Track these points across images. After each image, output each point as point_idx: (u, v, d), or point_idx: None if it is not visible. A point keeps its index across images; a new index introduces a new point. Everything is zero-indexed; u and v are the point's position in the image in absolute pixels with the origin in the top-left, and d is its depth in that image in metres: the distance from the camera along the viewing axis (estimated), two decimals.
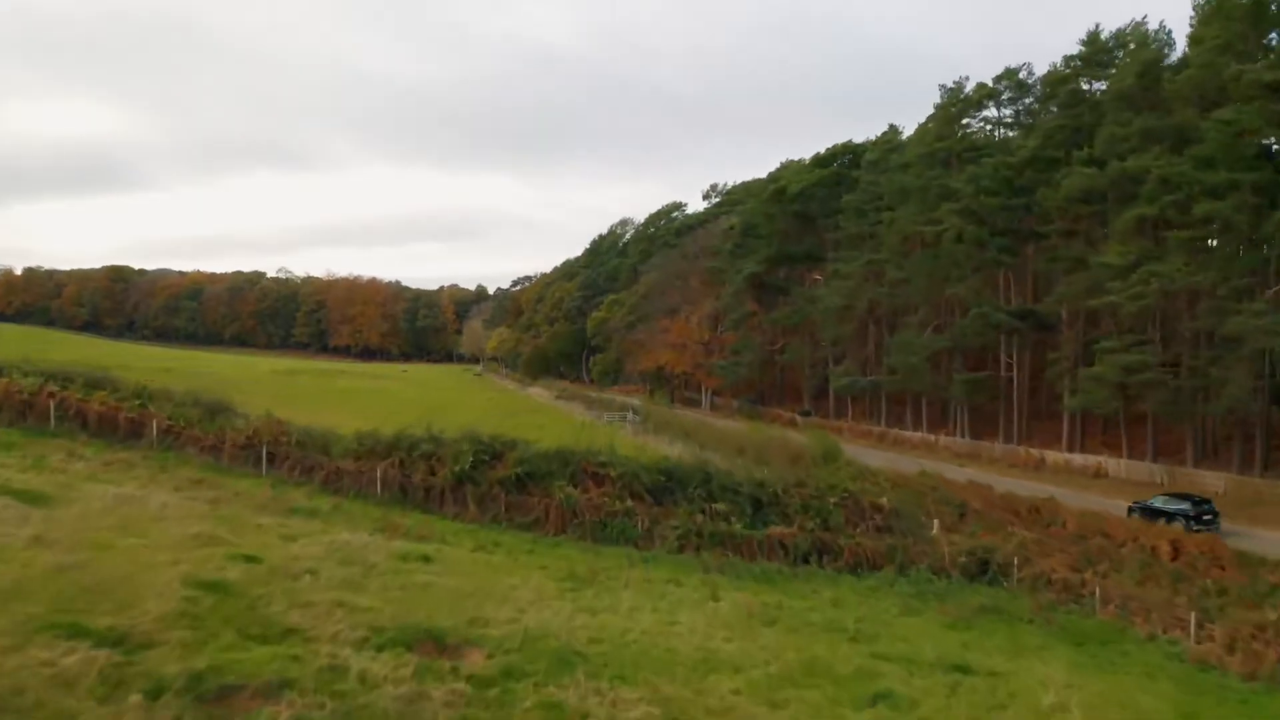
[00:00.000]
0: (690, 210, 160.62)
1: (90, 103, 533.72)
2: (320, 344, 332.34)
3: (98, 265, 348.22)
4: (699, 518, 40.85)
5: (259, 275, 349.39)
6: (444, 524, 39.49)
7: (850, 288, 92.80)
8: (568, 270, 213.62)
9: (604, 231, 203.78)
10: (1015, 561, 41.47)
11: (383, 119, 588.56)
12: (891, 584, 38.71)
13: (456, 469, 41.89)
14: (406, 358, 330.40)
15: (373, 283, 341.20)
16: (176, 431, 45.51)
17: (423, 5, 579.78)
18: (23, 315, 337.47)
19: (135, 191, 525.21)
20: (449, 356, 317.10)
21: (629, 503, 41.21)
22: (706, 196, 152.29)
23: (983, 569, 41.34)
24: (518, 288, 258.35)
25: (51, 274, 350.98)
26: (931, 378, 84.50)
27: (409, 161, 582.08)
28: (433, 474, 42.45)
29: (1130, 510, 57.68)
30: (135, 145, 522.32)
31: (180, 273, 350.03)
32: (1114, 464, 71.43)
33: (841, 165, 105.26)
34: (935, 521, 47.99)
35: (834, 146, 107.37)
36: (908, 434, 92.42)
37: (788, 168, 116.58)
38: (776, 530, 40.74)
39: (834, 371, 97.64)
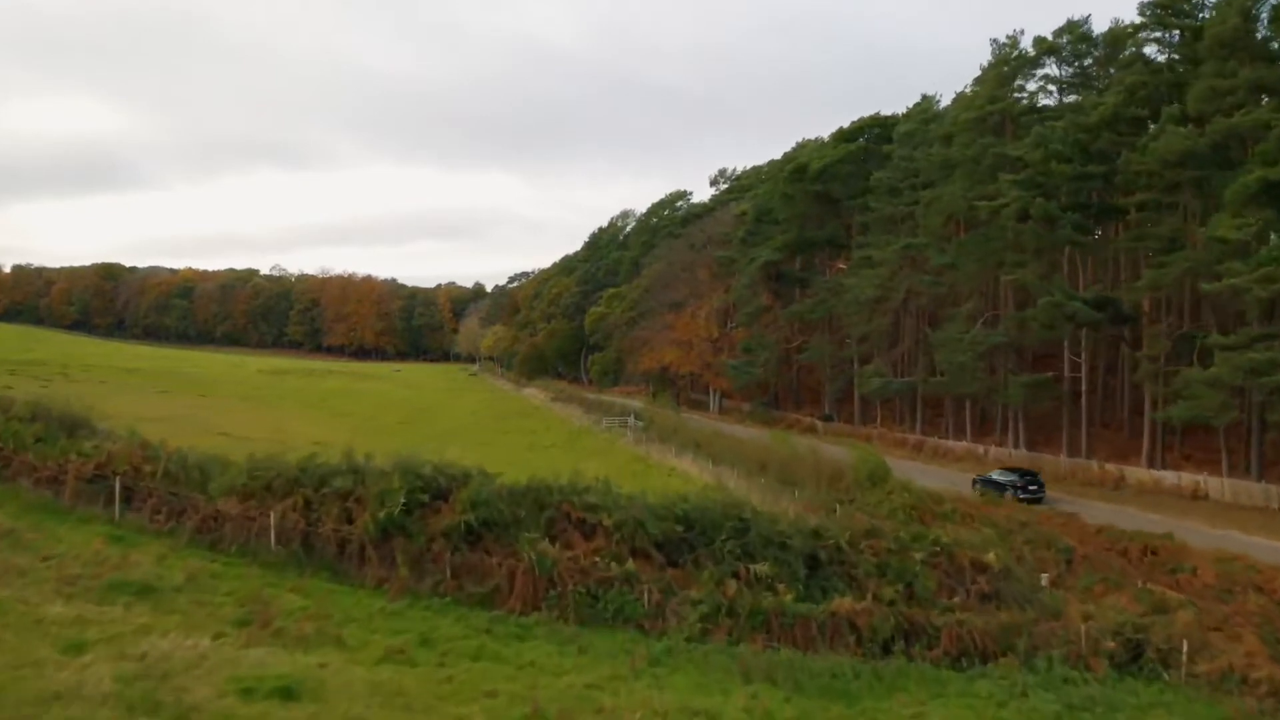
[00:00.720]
0: (697, 200, 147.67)
1: (89, 101, 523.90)
2: (314, 343, 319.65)
3: (89, 263, 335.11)
4: (731, 585, 27.53)
5: (252, 273, 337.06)
6: (356, 599, 26.26)
7: (883, 276, 79.59)
8: (566, 265, 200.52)
9: (604, 224, 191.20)
10: (1183, 646, 28.27)
11: (384, 117, 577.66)
12: (1020, 689, 25.44)
13: (381, 515, 28.11)
14: (402, 357, 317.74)
15: (368, 281, 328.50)
16: (6, 457, 32.44)
17: (423, 3, 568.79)
18: (10, 314, 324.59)
19: (135, 190, 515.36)
20: (446, 356, 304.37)
21: (630, 564, 27.74)
22: (714, 183, 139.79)
23: (1135, 655, 28.27)
24: (515, 284, 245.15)
25: (41, 271, 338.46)
26: (983, 379, 71.23)
27: (410, 160, 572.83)
28: (349, 521, 28.84)
29: (974, 483, 60.10)
30: (134, 144, 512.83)
31: (171, 270, 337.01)
32: (1214, 484, 58.09)
33: (869, 140, 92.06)
34: (1045, 576, 34.99)
35: (860, 120, 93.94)
36: (948, 443, 79.25)
37: (805, 146, 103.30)
38: (844, 605, 27.37)
39: (862, 372, 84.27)
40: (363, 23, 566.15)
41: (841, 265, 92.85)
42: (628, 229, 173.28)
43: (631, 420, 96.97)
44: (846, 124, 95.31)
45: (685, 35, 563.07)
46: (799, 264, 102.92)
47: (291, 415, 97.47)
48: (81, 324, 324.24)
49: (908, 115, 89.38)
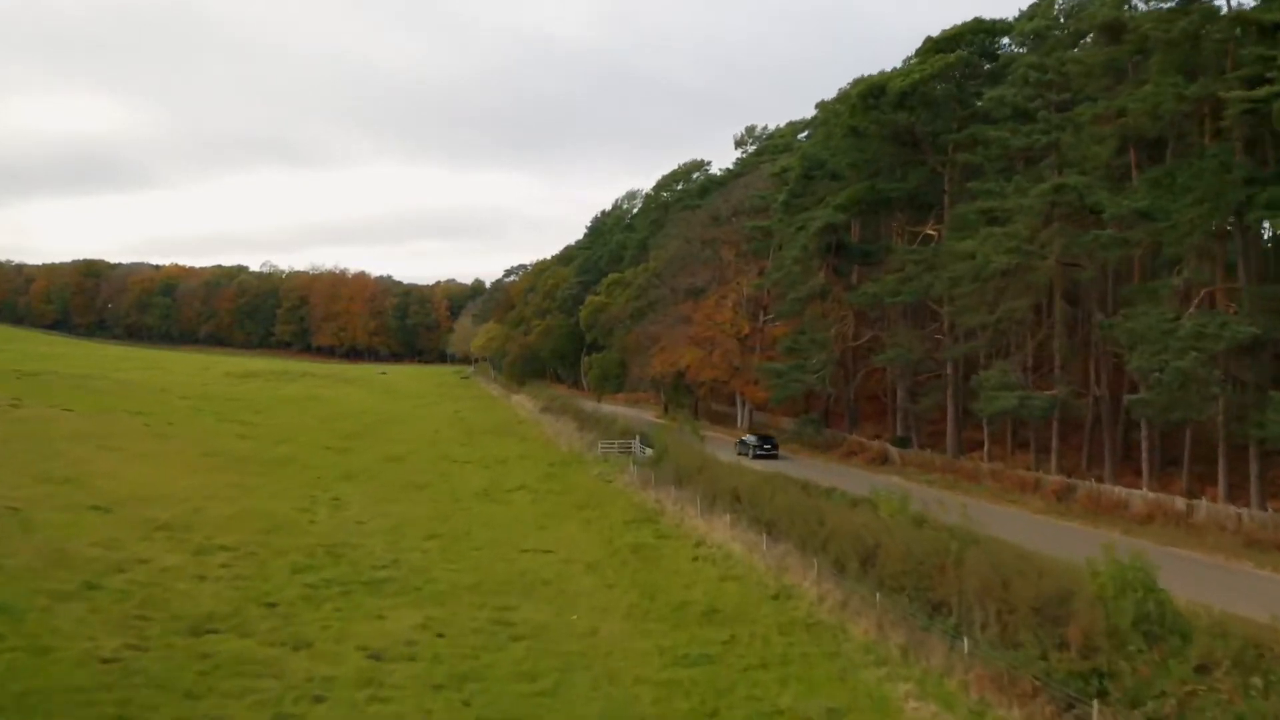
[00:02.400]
0: (718, 174, 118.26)
1: (91, 97, 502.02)
2: (303, 343, 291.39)
3: (71, 259, 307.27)
4: None
5: (240, 269, 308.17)
6: None
7: (1021, 236, 50.00)
8: (565, 255, 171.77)
9: (608, 208, 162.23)
10: None
11: (388, 114, 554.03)
12: None
13: None
14: (396, 358, 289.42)
15: (360, 277, 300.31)
16: None
17: None
18: None
19: (137, 189, 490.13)
20: (443, 357, 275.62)
21: None
22: (741, 144, 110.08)
23: None
24: (511, 278, 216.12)
25: (21, 269, 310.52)
26: (1221, 395, 41.79)
27: (416, 158, 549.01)
28: None
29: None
30: (136, 141, 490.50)
31: (155, 267, 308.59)
32: None
33: (970, 52, 62.61)
34: None
35: (954, 27, 64.31)
36: (1114, 491, 49.75)
37: (863, 81, 73.01)
38: None
39: (982, 380, 53.82)
40: (367, 17, 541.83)
41: (930, 231, 63.58)
42: (634, 211, 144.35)
43: (637, 446, 68.36)
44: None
45: (694, 28, 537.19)
46: (859, 232, 74.24)
47: (194, 439, 69.94)
48: (62, 323, 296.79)
49: (1033, 12, 60.64)
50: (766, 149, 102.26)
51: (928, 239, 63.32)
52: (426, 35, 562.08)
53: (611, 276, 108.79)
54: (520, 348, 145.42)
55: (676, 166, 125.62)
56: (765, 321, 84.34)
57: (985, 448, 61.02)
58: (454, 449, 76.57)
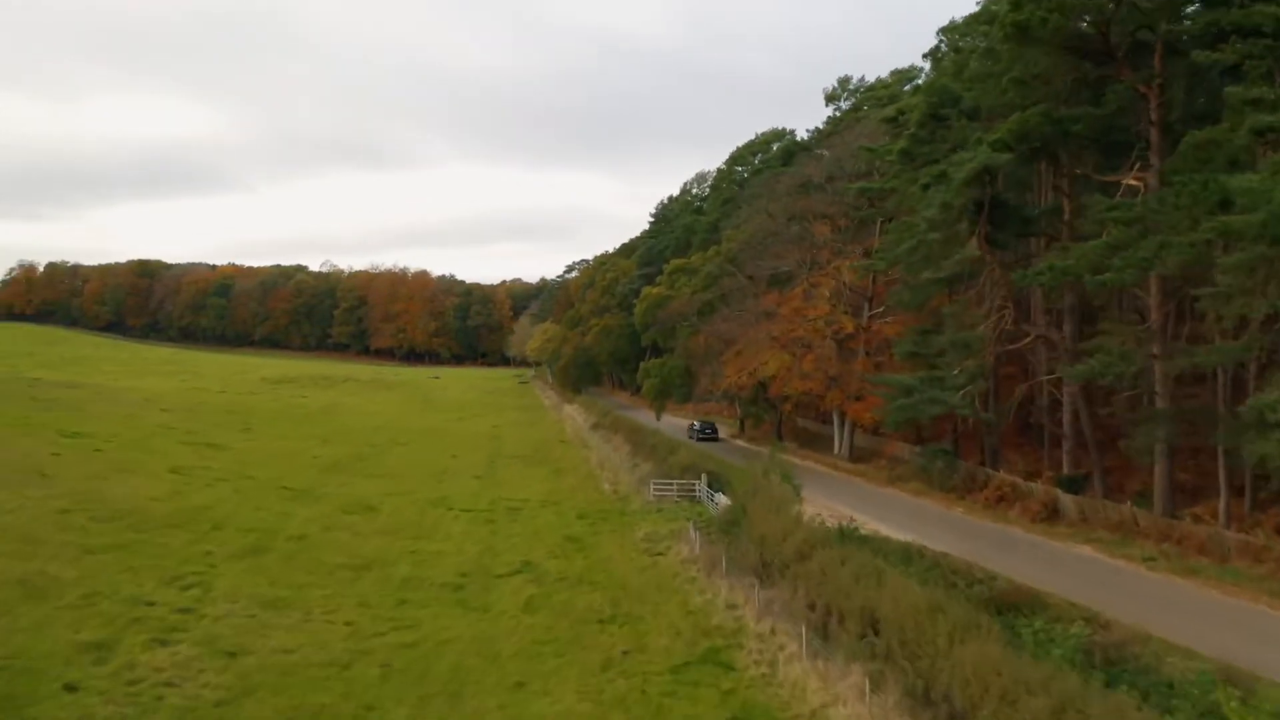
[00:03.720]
0: (801, 139, 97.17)
1: (169, 99, 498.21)
2: (361, 345, 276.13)
3: (124, 259, 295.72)
4: None
5: (299, 269, 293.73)
6: None
7: None
8: (627, 246, 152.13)
9: (674, 193, 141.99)
10: None
11: (463, 115, 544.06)
12: None
13: None
14: (458, 361, 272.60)
15: (420, 276, 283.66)
16: None
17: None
18: (43, 314, 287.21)
19: (214, 192, 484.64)
20: (506, 360, 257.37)
21: None
22: (832, 99, 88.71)
23: None
24: (571, 274, 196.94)
25: (76, 269, 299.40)
26: None
27: (489, 158, 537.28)
28: None
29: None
30: (213, 144, 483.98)
31: (211, 266, 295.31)
32: None
33: None
34: None
35: None
36: None
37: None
38: None
39: (1258, 405, 32.92)
40: (443, 19, 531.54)
41: (1133, 181, 42.41)
42: (705, 194, 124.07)
43: (704, 491, 48.91)
44: None
45: (768, 22, 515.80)
46: (1029, 191, 53.29)
47: (85, 476, 52.11)
48: (116, 325, 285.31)
49: None
50: (866, 102, 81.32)
51: (1129, 193, 42.07)
52: (500, 35, 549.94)
53: (674, 263, 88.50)
54: (574, 350, 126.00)
55: (754, 136, 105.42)
56: (872, 316, 63.89)
57: (1222, 503, 39.92)
58: (460, 487, 57.38)
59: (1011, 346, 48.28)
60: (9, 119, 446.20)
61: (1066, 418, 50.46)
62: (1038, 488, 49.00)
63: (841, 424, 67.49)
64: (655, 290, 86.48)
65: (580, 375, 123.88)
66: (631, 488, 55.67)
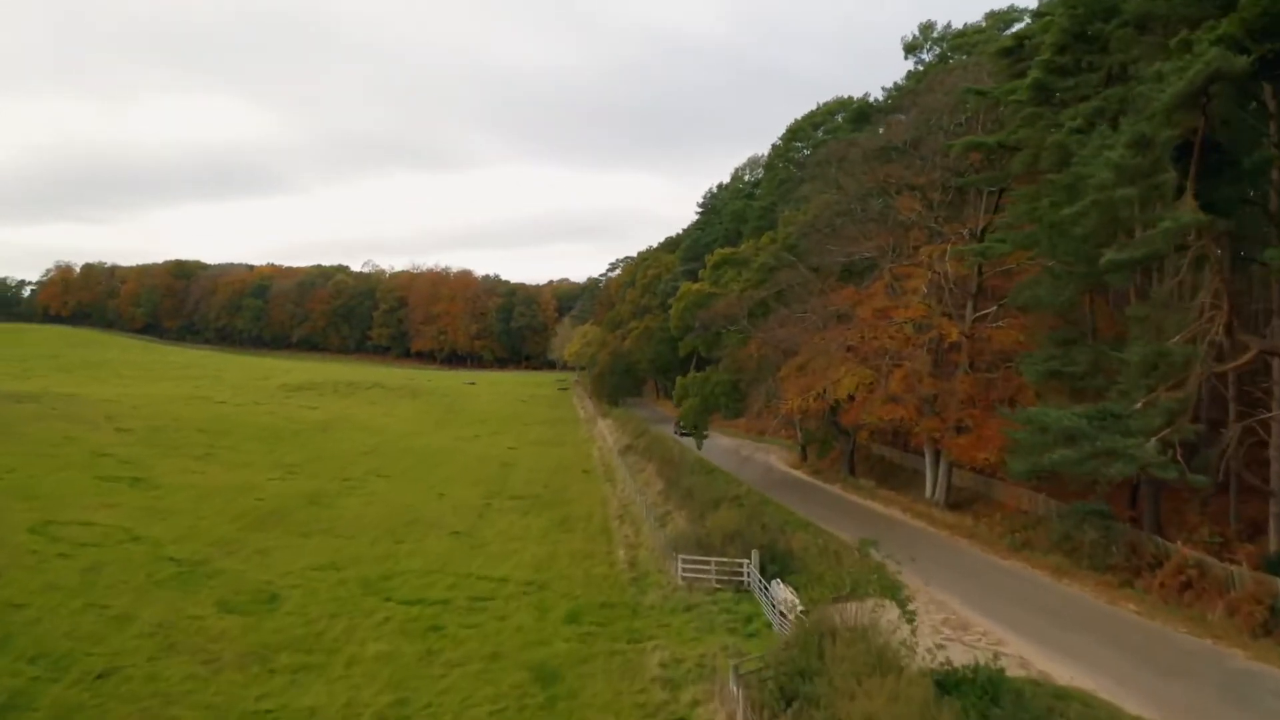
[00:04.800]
0: (875, 101, 79.69)
1: (221, 100, 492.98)
2: (402, 348, 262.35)
3: (161, 260, 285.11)
4: None
5: (339, 269, 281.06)
6: None
7: None
8: (671, 240, 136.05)
9: (725, 180, 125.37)
10: None
11: (516, 115, 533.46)
12: None
13: None
14: (501, 364, 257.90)
15: (463, 276, 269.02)
16: None
17: None
18: (78, 316, 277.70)
19: (269, 194, 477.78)
20: (551, 363, 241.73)
21: None
22: (913, 49, 71.00)
23: None
24: (614, 272, 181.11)
25: (113, 271, 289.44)
26: None
27: (547, 159, 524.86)
28: None
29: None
30: (269, 146, 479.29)
31: (249, 267, 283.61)
32: None
33: None
34: None
35: None
36: None
37: None
38: None
39: None
40: (498, 17, 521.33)
41: None
42: (759, 178, 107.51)
43: (754, 575, 33.22)
44: None
45: (829, 20, 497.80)
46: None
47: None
48: (152, 327, 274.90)
49: None
50: (956, 51, 64.15)
51: None
52: (554, 34, 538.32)
53: (720, 253, 71.79)
54: (611, 356, 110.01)
55: (815, 106, 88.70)
56: (979, 319, 47.39)
57: None
58: (422, 553, 41.88)
59: (1223, 367, 31.54)
60: (59, 120, 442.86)
61: (1277, 468, 33.98)
62: (1242, 574, 32.39)
63: (936, 459, 51.00)
64: (696, 287, 69.91)
65: (618, 384, 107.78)
66: (655, 557, 39.84)
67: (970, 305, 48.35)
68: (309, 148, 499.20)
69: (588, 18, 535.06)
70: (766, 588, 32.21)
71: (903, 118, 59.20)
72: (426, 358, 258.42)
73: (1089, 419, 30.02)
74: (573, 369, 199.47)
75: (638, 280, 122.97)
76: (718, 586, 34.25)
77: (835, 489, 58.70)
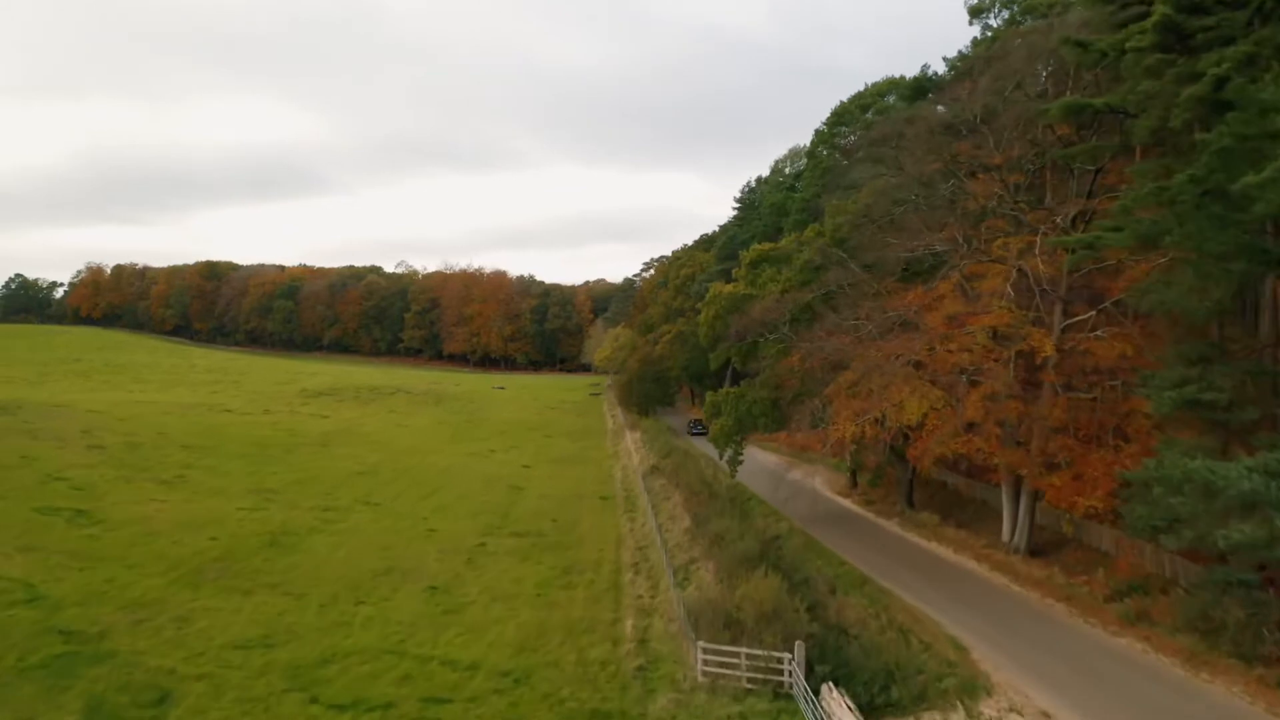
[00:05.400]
0: (935, 75, 69.99)
1: (265, 101, 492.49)
2: (434, 350, 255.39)
3: (192, 261, 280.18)
4: None
5: (371, 269, 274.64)
6: None
7: None
8: (706, 238, 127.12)
9: (764, 174, 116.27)
10: None
11: (558, 116, 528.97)
12: None
13: None
14: (535, 367, 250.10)
15: (496, 276, 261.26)
16: None
17: None
18: (110, 318, 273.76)
19: (309, 195, 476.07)
20: (586, 366, 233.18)
21: None
22: (978, 11, 61.05)
23: None
24: (648, 272, 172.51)
25: (144, 272, 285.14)
26: None
27: (590, 160, 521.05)
28: None
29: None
30: (309, 147, 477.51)
31: (279, 268, 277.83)
32: None
33: None
34: None
35: None
36: None
37: None
38: None
39: None
40: (542, 17, 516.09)
41: None
42: (801, 169, 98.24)
43: (798, 677, 24.40)
44: None
45: (871, 13, 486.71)
46: None
47: None
48: (182, 329, 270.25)
49: None
50: (1031, 10, 54.69)
51: None
52: (597, 33, 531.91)
53: (756, 249, 62.61)
54: (640, 363, 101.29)
55: (864, 87, 79.40)
56: (1071, 326, 38.24)
57: None
58: (381, 620, 33.54)
59: None
60: (101, 122, 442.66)
61: None
62: None
63: (1015, 493, 41.88)
64: (728, 289, 60.87)
65: (648, 393, 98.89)
66: (671, 634, 31.28)
67: (1058, 310, 39.27)
68: (350, 148, 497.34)
69: (629, 17, 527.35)
70: (814, 697, 23.57)
71: (1000, 51, 49.94)
72: (459, 360, 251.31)
73: (1270, 475, 20.94)
74: (607, 373, 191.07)
75: (670, 281, 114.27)
76: (749, 688, 25.59)
77: (892, 525, 49.71)
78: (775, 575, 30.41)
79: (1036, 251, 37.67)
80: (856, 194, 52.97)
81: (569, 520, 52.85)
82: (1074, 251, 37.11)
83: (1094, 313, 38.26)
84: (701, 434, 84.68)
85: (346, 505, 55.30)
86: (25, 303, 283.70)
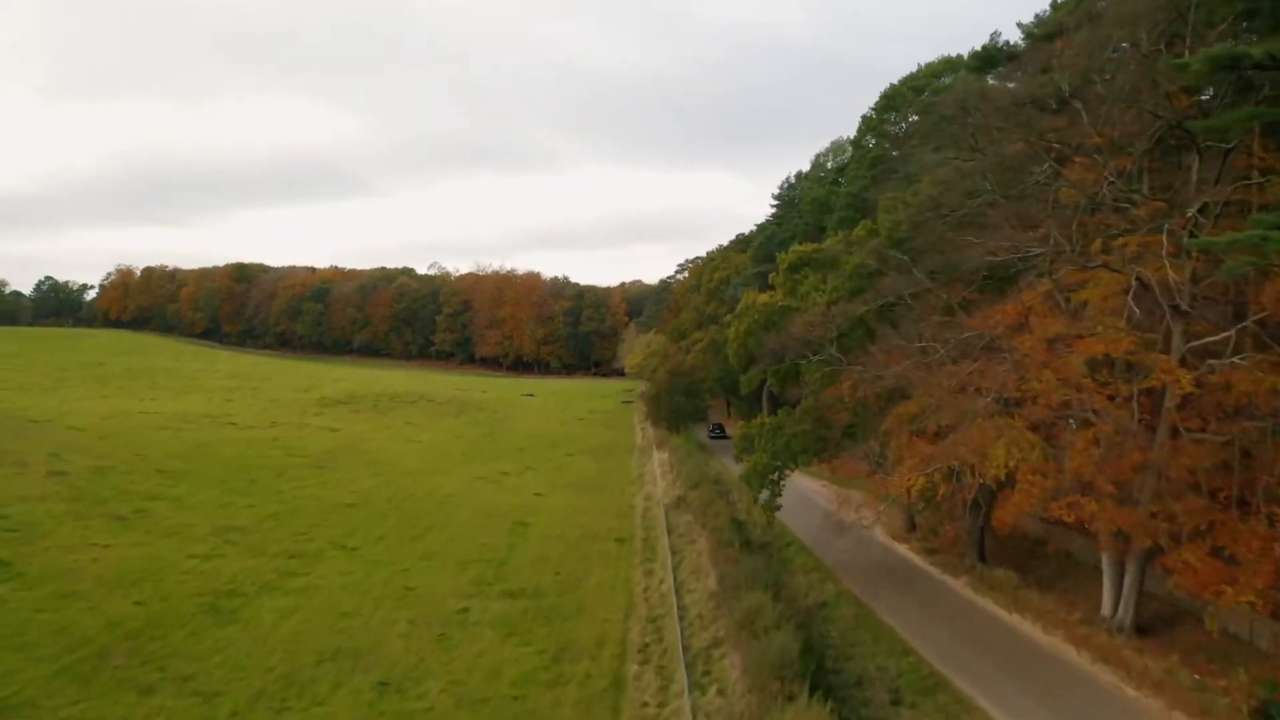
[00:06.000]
0: (1006, 44, 60.71)
1: (302, 103, 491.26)
2: (466, 354, 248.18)
3: (222, 263, 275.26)
4: None
5: (402, 271, 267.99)
6: None
7: None
8: (742, 238, 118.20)
9: (805, 168, 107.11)
10: None
11: (600, 116, 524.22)
12: None
13: None
14: (569, 370, 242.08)
15: (529, 278, 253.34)
16: None
17: None
18: (139, 320, 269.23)
19: (343, 196, 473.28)
20: (621, 371, 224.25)
21: None
22: None
23: None
24: (682, 274, 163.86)
25: (174, 274, 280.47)
26: None
27: (627, 159, 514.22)
28: None
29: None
30: (344, 148, 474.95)
31: (310, 269, 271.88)
32: None
33: None
34: None
35: None
36: None
37: None
38: None
39: None
40: (576, 16, 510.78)
41: None
42: (846, 163, 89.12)
43: None
44: None
45: (918, 16, 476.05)
46: None
47: None
48: (212, 332, 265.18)
49: None
50: None
51: None
52: (633, 31, 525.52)
53: (796, 251, 53.50)
54: (669, 374, 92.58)
55: (916, 67, 70.39)
56: (1196, 350, 29.25)
57: None
58: None
59: None
60: (136, 124, 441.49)
61: None
62: None
63: (1120, 558, 32.97)
64: (763, 299, 51.92)
65: (678, 407, 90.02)
66: None
67: (1179, 330, 30.44)
68: (384, 149, 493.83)
69: (663, 14, 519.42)
70: None
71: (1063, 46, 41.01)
72: (492, 364, 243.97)
73: None
74: (640, 378, 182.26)
75: (703, 285, 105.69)
76: None
77: (961, 586, 40.72)
78: (820, 704, 21.89)
79: (1164, 253, 28.77)
80: (916, 185, 44.17)
81: (574, 574, 44.48)
82: (1205, 256, 28.33)
83: (1231, 332, 29.40)
84: (721, 438, 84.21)
85: (317, 550, 47.34)
86: (56, 305, 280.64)
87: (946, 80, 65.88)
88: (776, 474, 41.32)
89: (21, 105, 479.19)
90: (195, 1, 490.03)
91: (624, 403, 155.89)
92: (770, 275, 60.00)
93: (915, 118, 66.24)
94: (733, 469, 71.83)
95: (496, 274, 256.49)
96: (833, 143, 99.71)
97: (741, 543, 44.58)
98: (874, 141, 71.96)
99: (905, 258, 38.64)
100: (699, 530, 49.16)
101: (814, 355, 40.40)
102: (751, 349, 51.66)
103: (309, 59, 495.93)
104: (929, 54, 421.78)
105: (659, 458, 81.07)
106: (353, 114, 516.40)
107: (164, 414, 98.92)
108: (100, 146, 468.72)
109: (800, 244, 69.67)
